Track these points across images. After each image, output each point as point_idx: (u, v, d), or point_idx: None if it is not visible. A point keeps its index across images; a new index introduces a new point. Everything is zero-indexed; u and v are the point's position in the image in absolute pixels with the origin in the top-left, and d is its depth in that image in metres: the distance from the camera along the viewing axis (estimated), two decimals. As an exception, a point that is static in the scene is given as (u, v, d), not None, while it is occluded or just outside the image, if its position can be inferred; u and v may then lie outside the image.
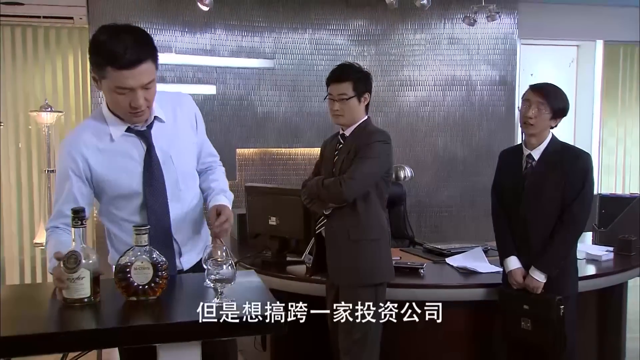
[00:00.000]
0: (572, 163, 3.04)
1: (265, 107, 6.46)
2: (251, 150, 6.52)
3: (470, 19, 5.43)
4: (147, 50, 2.03)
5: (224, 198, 2.34)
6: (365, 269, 3.00)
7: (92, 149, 2.14)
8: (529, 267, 3.07)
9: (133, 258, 1.77)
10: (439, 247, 4.00)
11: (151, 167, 2.18)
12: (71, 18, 5.64)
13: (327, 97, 3.10)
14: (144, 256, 1.77)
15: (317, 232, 3.20)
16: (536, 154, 3.08)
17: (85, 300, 1.74)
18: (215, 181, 2.42)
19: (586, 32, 7.04)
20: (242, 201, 4.10)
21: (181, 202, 2.26)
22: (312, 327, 3.37)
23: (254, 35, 6.35)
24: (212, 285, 1.73)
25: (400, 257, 3.83)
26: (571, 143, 7.22)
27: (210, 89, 6.20)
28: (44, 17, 5.55)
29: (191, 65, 6.09)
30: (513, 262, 3.11)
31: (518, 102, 6.81)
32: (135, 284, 1.75)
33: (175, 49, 6.01)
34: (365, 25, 6.65)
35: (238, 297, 1.74)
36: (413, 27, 6.70)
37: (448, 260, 3.72)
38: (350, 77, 3.03)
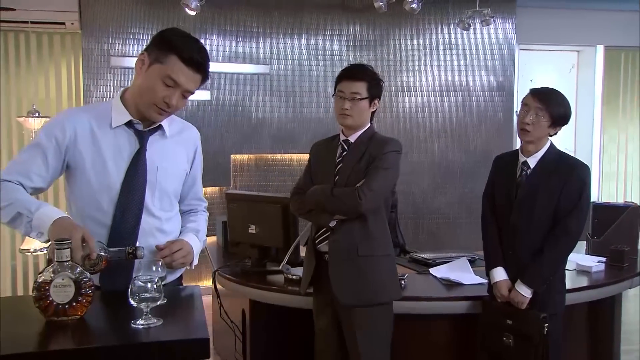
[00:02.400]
0: (568, 174, 2.80)
1: (261, 112, 6.29)
2: (246, 156, 6.36)
3: (465, 23, 5.23)
4: (207, 68, 2.07)
5: (194, 237, 2.23)
6: (376, 287, 2.73)
7: (87, 128, 2.06)
8: (515, 279, 2.86)
9: (53, 274, 1.59)
10: (424, 256, 3.79)
11: (137, 166, 2.06)
12: (63, 23, 5.51)
13: (336, 95, 2.80)
14: (65, 272, 1.59)
15: (316, 246, 2.84)
16: (532, 161, 2.85)
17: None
18: (192, 222, 2.31)
19: (586, 37, 6.81)
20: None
21: (151, 216, 2.10)
22: (293, 336, 3.23)
23: (248, 40, 6.20)
24: (135, 304, 1.54)
25: (384, 267, 3.64)
26: (571, 149, 7.05)
27: (204, 95, 6.05)
28: (35, 22, 5.39)
29: (184, 70, 5.92)
30: (499, 274, 2.89)
31: (516, 108, 6.60)
32: (55, 302, 1.57)
33: (169, 54, 5.84)
34: (362, 31, 6.48)
35: (169, 317, 1.56)
36: (410, 33, 6.51)
37: (432, 270, 3.52)
38: (366, 77, 2.76)
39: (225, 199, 3.93)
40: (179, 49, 1.97)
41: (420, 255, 3.85)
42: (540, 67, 6.97)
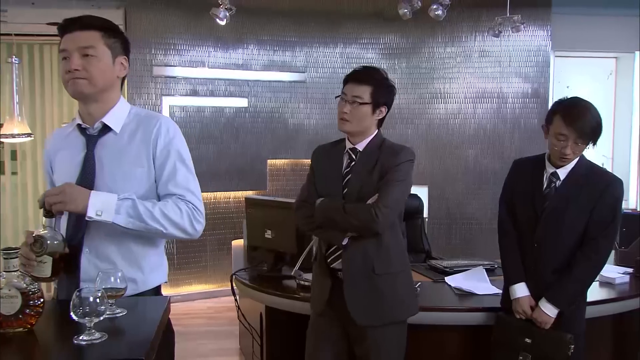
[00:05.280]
0: (602, 190, 2.48)
1: (297, 119, 6.13)
2: (282, 161, 6.21)
3: (495, 30, 4.92)
4: (92, 22, 1.91)
5: (112, 195, 1.80)
6: (395, 305, 2.44)
7: (54, 146, 2.05)
8: (536, 296, 2.56)
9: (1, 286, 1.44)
10: (442, 264, 3.53)
11: (85, 171, 1.90)
12: (109, 35, 5.45)
13: (339, 97, 2.50)
14: (12, 283, 1.44)
15: (330, 264, 2.49)
16: (562, 173, 2.52)
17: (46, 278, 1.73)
18: (151, 201, 1.90)
19: (624, 44, 6.35)
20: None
21: (100, 223, 1.81)
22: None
23: (285, 49, 6.04)
24: (77, 319, 1.37)
25: (399, 275, 3.39)
26: (609, 157, 6.59)
27: (242, 102, 5.94)
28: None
29: (223, 79, 5.85)
30: (521, 290, 2.58)
31: (551, 115, 6.25)
32: (1, 314, 1.42)
33: (208, 63, 5.78)
34: (396, 39, 6.23)
35: (117, 331, 1.39)
36: (444, 41, 6.22)
37: (447, 279, 3.26)
38: (371, 81, 2.43)
39: (245, 203, 3.77)
40: (59, 28, 1.91)
41: (438, 263, 3.58)
42: (577, 74, 6.55)
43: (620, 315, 3.12)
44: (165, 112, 5.62)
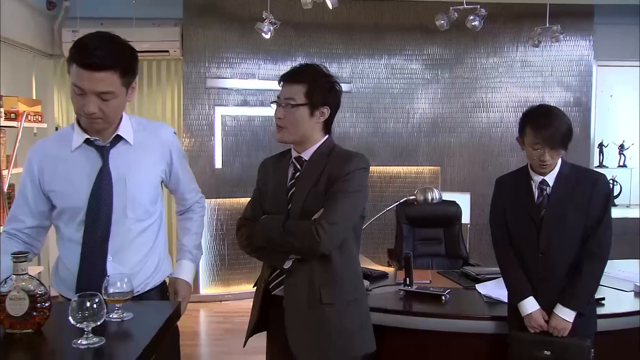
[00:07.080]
0: (592, 187, 2.38)
1: (342, 127, 6.01)
2: (328, 167, 6.11)
3: (535, 40, 4.69)
4: (115, 60, 1.73)
5: (188, 264, 2.12)
6: (345, 341, 1.99)
7: (50, 157, 1.90)
8: (549, 307, 2.40)
9: (11, 287, 1.40)
10: (474, 271, 3.35)
11: (102, 185, 1.84)
12: (167, 51, 5.52)
13: (274, 102, 2.07)
14: (21, 285, 1.40)
15: (271, 291, 2.08)
16: (550, 179, 2.41)
17: None
18: (188, 232, 2.16)
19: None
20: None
21: (125, 229, 1.87)
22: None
23: (332, 61, 5.94)
24: (74, 323, 1.31)
25: (430, 281, 3.24)
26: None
27: (290, 111, 5.87)
28: (145, 51, 5.37)
29: (273, 90, 5.71)
30: (532, 304, 2.42)
31: (594, 124, 5.93)
32: (10, 315, 1.39)
33: (259, 75, 5.75)
34: (439, 51, 6.04)
35: (117, 335, 1.32)
36: (486, 51, 5.99)
37: (477, 286, 3.08)
38: (305, 79, 2.00)
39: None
40: (75, 54, 1.73)
41: (471, 270, 3.40)
42: (619, 83, 6.17)
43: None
44: (218, 121, 5.62)
